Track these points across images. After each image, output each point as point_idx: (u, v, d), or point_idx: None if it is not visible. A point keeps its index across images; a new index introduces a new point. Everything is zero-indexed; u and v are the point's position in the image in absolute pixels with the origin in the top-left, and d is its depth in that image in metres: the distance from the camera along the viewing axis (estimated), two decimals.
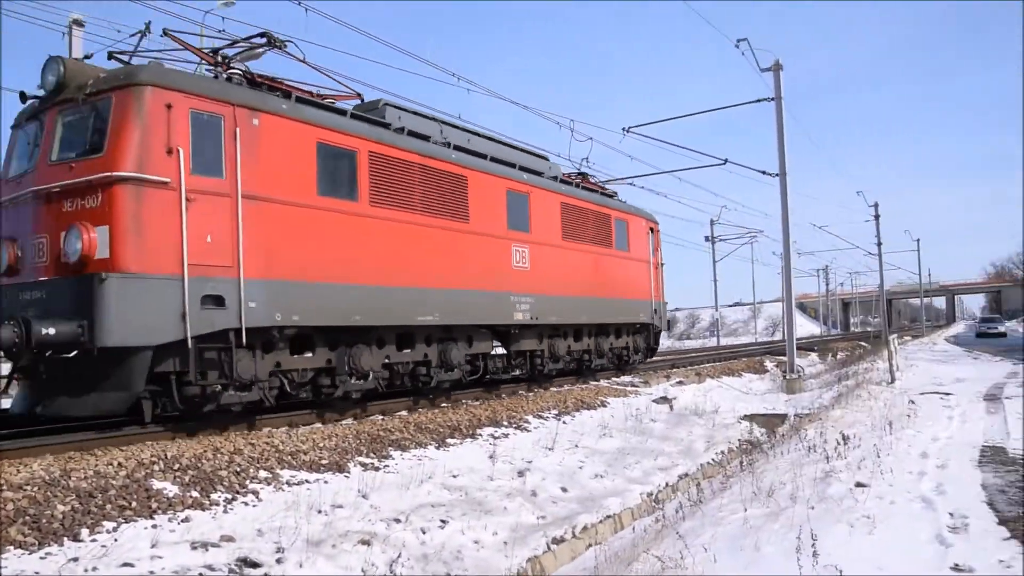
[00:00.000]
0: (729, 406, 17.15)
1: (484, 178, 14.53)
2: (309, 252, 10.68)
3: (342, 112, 11.93)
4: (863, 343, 46.31)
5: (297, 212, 10.56)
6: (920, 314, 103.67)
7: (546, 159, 18.06)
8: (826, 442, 10.13)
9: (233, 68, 11.17)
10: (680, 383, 19.38)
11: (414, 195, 12.72)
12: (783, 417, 15.75)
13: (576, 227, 17.61)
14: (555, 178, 17.62)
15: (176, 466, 7.92)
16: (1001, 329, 60.93)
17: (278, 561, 6.26)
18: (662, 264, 22.19)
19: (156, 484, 7.41)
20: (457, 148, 14.25)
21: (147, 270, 8.87)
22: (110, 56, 10.41)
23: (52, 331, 8.43)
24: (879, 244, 51.41)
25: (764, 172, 24.22)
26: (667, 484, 10.65)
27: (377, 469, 9.24)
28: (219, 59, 11.15)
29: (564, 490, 9.69)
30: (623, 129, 23.82)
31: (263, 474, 8.29)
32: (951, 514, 6.63)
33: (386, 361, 12.44)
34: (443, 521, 7.80)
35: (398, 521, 7.56)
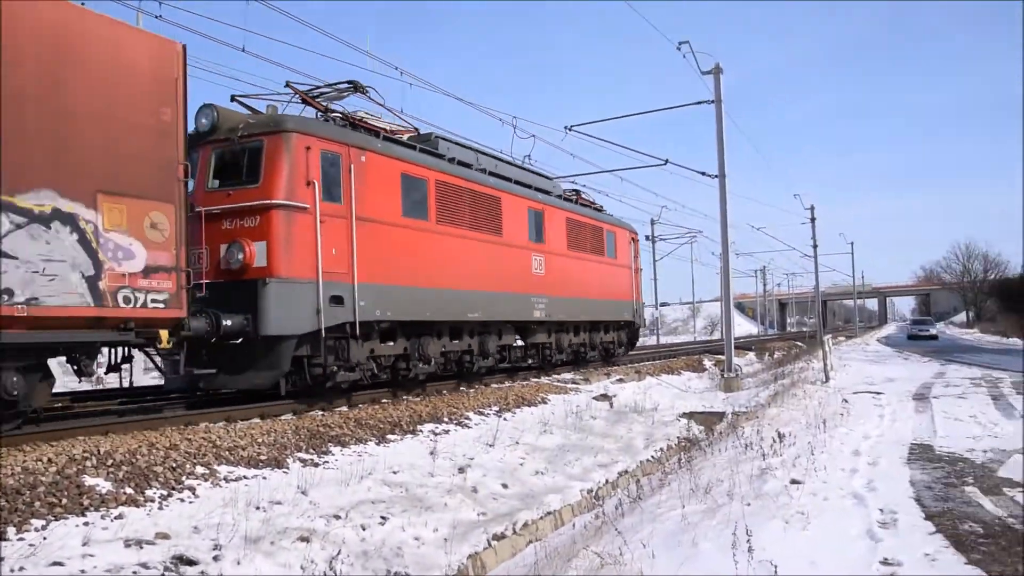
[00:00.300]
0: (668, 404, 17.34)
1: (512, 199, 17.62)
2: (396, 261, 13.49)
3: (414, 147, 14.60)
4: (799, 343, 47.24)
5: (389, 230, 13.38)
6: (854, 315, 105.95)
7: (551, 179, 21.36)
8: (762, 440, 10.30)
9: (334, 111, 13.64)
10: (620, 381, 19.54)
11: (464, 214, 15.75)
12: (721, 415, 15.98)
13: (578, 238, 20.96)
14: (560, 196, 20.94)
15: (109, 462, 7.74)
16: (933, 331, 60.01)
17: (215, 559, 6.15)
18: (640, 269, 25.35)
19: (88, 480, 7.23)
20: (492, 174, 17.27)
21: (294, 276, 11.46)
22: (232, 99, 12.95)
23: (229, 323, 10.85)
24: (815, 246, 52.30)
25: (704, 173, 24.50)
26: (607, 481, 10.73)
27: (317, 465, 9.15)
28: (325, 107, 13.58)
29: (505, 487, 9.71)
30: (565, 127, 23.82)
31: (200, 470, 8.15)
32: (881, 510, 6.79)
33: (443, 350, 15.29)
34: (383, 518, 7.76)
35: (338, 518, 7.49)
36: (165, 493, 7.39)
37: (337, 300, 12.12)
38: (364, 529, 7.40)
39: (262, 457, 8.98)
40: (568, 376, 19.57)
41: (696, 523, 6.70)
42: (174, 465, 8.07)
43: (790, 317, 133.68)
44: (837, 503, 7.07)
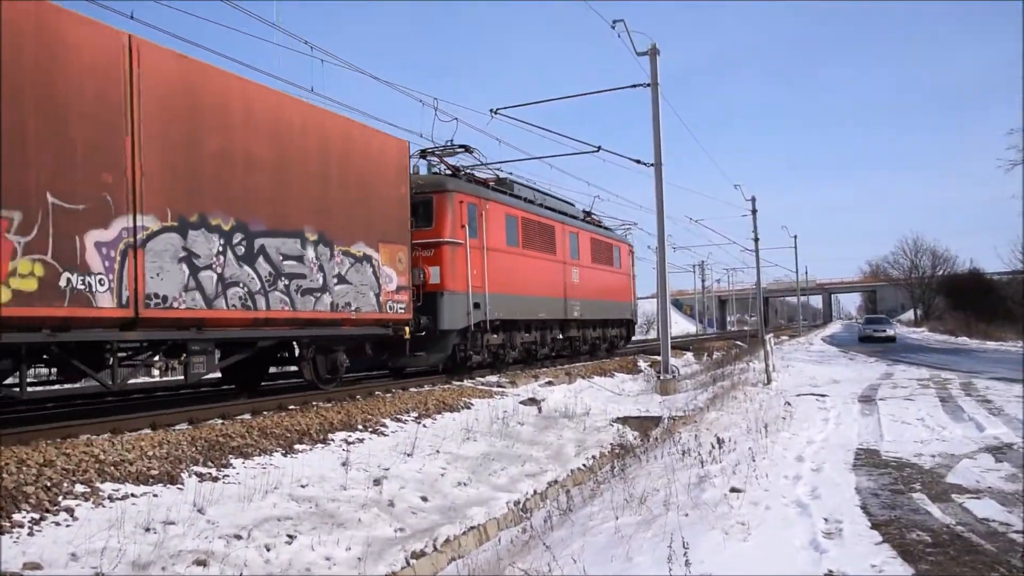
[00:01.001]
0: (601, 408, 17.45)
1: (560, 226, 25.01)
2: (504, 277, 20.69)
3: (505, 192, 22.08)
4: (739, 343, 48.08)
5: (500, 255, 20.73)
6: (797, 313, 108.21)
7: (574, 205, 28.64)
8: (700, 446, 10.42)
9: (460, 169, 20.85)
10: (549, 383, 19.59)
11: (535, 240, 23.13)
12: (657, 420, 16.13)
13: (597, 253, 28.38)
14: (581, 219, 28.08)
15: None
16: (890, 332, 53.22)
17: None
18: (635, 276, 33.73)
19: None
20: (544, 206, 24.48)
21: (455, 289, 18.45)
22: (423, 154, 20.72)
23: (424, 320, 17.73)
24: (756, 240, 53.10)
25: (639, 161, 24.71)
26: (535, 492, 10.72)
27: (216, 480, 8.92)
28: (456, 169, 20.85)
29: (424, 499, 9.62)
30: (491, 111, 23.82)
31: (80, 488, 7.86)
32: (825, 519, 6.91)
33: (522, 341, 22.61)
34: (290, 536, 7.61)
35: (239, 538, 7.31)
36: (37, 516, 7.09)
37: (476, 306, 19.27)
38: (269, 549, 7.23)
39: (153, 472, 8.72)
40: (493, 379, 19.56)
41: (630, 535, 6.72)
42: (48, 484, 7.76)
43: (730, 315, 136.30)
44: (779, 512, 7.17)
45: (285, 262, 13.47)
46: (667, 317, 23.39)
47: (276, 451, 10.39)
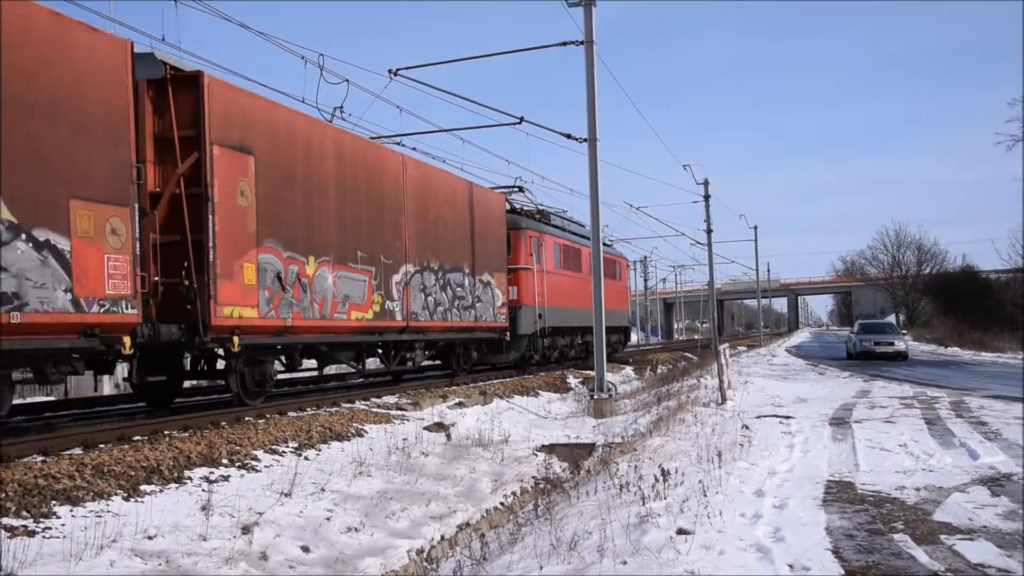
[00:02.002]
0: (523, 434, 17.46)
1: (585, 248, 34.83)
2: (553, 293, 31.55)
3: (548, 223, 32.89)
4: (689, 354, 48.71)
5: (552, 276, 31.66)
6: (757, 318, 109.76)
7: (584, 226, 37.31)
8: (642, 478, 10.46)
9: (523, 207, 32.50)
10: (460, 405, 19.56)
11: (571, 262, 34.22)
12: (590, 447, 16.20)
13: (608, 269, 38.63)
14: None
15: None
16: (900, 346, 45.53)
17: None
18: (629, 287, 48.63)
19: None
20: (574, 232, 35.71)
21: (526, 303, 29.49)
22: (512, 210, 30.92)
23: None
24: (709, 231, 53.45)
25: (569, 136, 24.86)
26: (443, 537, 10.69)
27: (32, 533, 8.62)
28: (522, 210, 32.17)
29: (306, 550, 9.50)
30: (390, 71, 23.69)
31: None
32: (790, 565, 6.97)
33: (561, 344, 33.88)
34: None
35: None
36: None
37: (539, 316, 29.95)
38: None
39: None
40: (391, 400, 19.43)
41: None
42: None
43: (678, 321, 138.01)
44: (736, 558, 7.21)
45: (457, 288, 24.66)
46: (602, 324, 23.52)
47: (116, 494, 10.10)
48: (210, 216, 14.96)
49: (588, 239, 33.23)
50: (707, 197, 52.57)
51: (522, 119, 25.23)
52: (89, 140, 12.50)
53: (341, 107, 21.57)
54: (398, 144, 25.00)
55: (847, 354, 49.21)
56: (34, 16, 11.81)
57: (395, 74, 23.71)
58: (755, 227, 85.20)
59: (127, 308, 13.04)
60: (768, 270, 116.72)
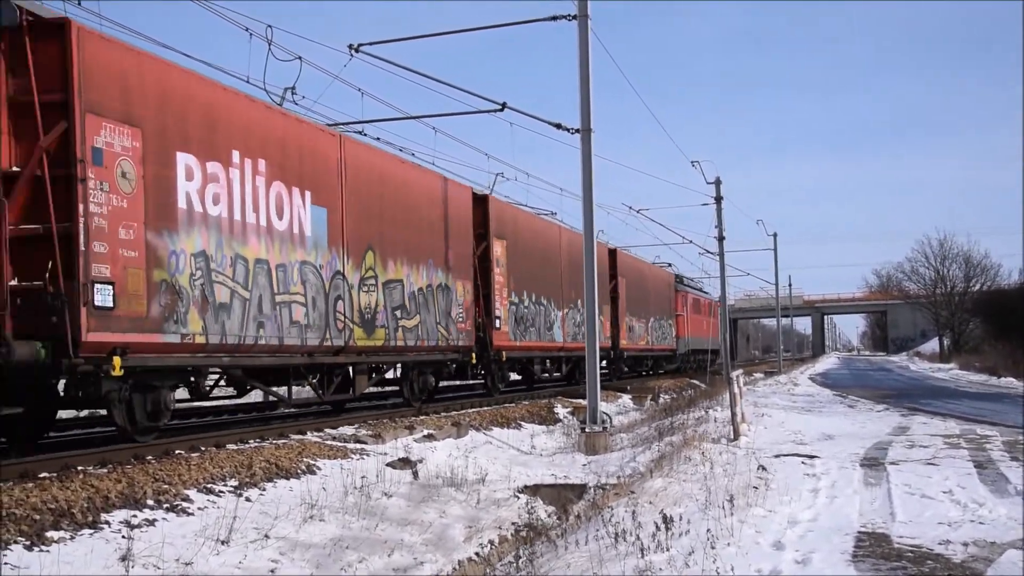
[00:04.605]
0: (502, 472, 17.41)
1: (703, 299, 74.33)
2: (687, 328, 66.22)
3: (683, 285, 66.71)
4: (696, 381, 48.74)
5: (687, 318, 65.69)
6: (777, 340, 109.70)
7: (696, 279, 72.28)
8: (640, 526, 10.44)
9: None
10: (430, 437, 19.51)
11: (690, 306, 67.05)
12: (580, 489, 16.19)
13: (704, 310, 74.18)
14: (686, 283, 69.67)
15: None
16: None
17: None
18: (717, 322, 71.99)
19: None
20: (690, 286, 71.16)
21: (683, 336, 63.52)
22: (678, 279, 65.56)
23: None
24: (721, 238, 53.30)
25: (559, 126, 24.80)
26: None
27: None
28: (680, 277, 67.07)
29: None
30: (350, 47, 23.60)
31: None
32: None
33: (696, 358, 66.01)
34: None
35: None
36: None
37: (686, 343, 64.08)
38: None
39: None
40: (349, 431, 19.36)
41: None
42: None
43: None
44: None
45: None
46: (595, 345, 23.51)
47: (16, 541, 9.99)
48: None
49: (704, 293, 61.41)
50: (719, 199, 52.39)
51: (504, 105, 25.18)
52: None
53: (293, 88, 21.49)
54: (359, 134, 24.89)
55: None
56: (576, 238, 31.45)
57: (356, 50, 23.62)
58: (774, 234, 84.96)
59: None
60: (789, 284, 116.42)
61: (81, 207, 13.58)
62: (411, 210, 23.98)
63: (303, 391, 21.24)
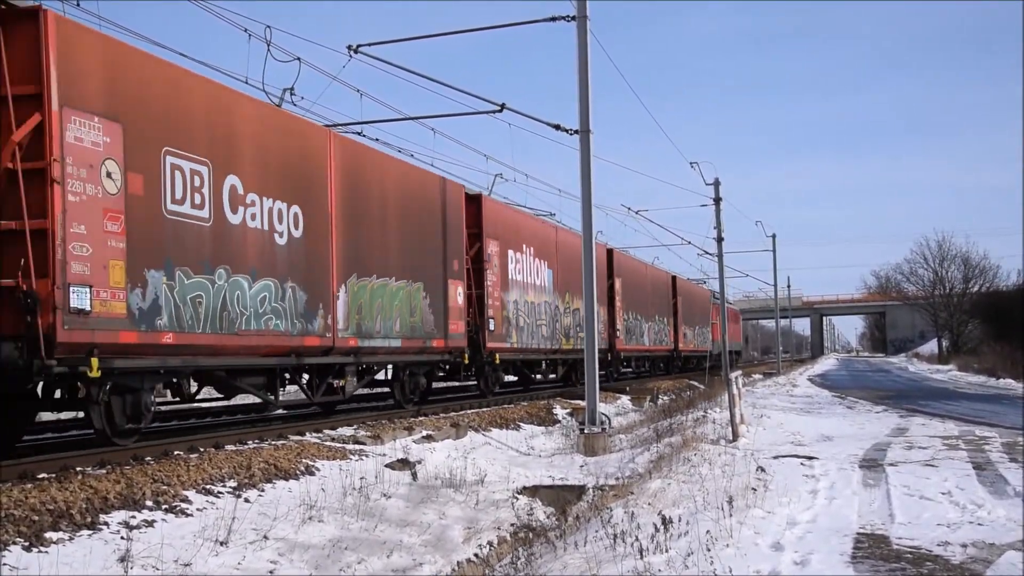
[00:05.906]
0: (501, 473, 17.41)
1: (728, 308, 69.29)
2: (715, 333, 73.01)
3: (715, 299, 70.22)
4: (695, 382, 48.73)
5: (716, 325, 69.38)
6: (776, 341, 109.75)
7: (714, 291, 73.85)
8: (639, 527, 10.45)
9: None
10: (428, 438, 19.51)
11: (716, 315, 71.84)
12: (579, 490, 16.19)
13: (733, 318, 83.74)
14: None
15: None
16: None
17: None
18: (741, 328, 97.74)
19: None
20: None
21: (716, 340, 68.03)
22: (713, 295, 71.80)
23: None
24: (720, 240, 53.30)
25: (558, 127, 24.79)
26: None
27: None
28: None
29: None
30: (349, 48, 23.58)
31: None
32: None
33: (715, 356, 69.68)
34: None
35: None
36: None
37: (715, 344, 68.42)
38: None
39: None
40: (348, 432, 19.35)
41: None
42: None
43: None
44: None
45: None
46: (595, 346, 23.51)
47: (14, 543, 10.01)
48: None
49: (728, 302, 61.05)
50: (718, 200, 52.38)
51: (503, 106, 25.17)
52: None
53: (292, 89, 21.46)
54: (358, 135, 24.89)
55: None
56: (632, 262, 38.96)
57: (355, 51, 23.60)
58: (773, 236, 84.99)
59: None
60: (788, 285, 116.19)
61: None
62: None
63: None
